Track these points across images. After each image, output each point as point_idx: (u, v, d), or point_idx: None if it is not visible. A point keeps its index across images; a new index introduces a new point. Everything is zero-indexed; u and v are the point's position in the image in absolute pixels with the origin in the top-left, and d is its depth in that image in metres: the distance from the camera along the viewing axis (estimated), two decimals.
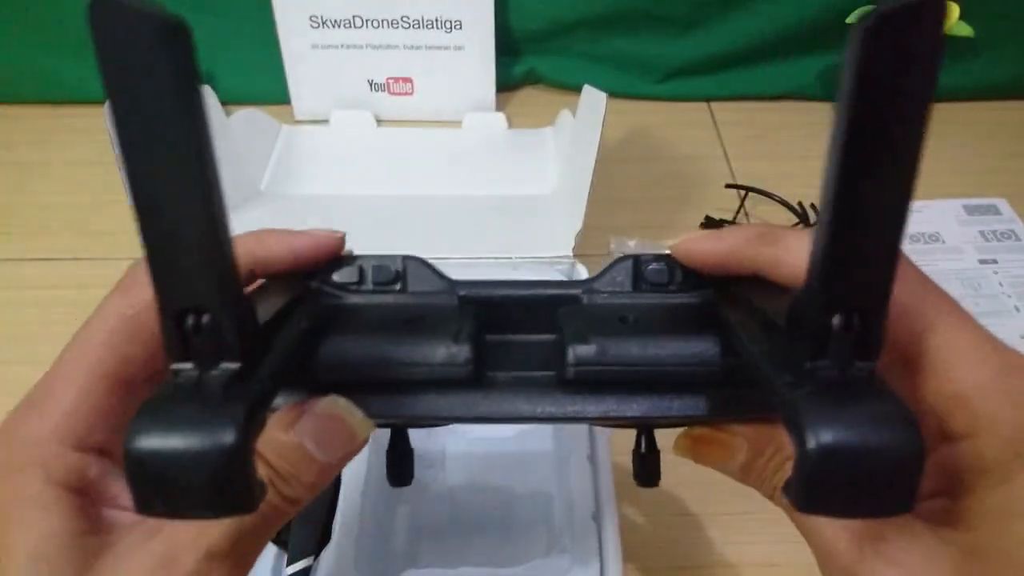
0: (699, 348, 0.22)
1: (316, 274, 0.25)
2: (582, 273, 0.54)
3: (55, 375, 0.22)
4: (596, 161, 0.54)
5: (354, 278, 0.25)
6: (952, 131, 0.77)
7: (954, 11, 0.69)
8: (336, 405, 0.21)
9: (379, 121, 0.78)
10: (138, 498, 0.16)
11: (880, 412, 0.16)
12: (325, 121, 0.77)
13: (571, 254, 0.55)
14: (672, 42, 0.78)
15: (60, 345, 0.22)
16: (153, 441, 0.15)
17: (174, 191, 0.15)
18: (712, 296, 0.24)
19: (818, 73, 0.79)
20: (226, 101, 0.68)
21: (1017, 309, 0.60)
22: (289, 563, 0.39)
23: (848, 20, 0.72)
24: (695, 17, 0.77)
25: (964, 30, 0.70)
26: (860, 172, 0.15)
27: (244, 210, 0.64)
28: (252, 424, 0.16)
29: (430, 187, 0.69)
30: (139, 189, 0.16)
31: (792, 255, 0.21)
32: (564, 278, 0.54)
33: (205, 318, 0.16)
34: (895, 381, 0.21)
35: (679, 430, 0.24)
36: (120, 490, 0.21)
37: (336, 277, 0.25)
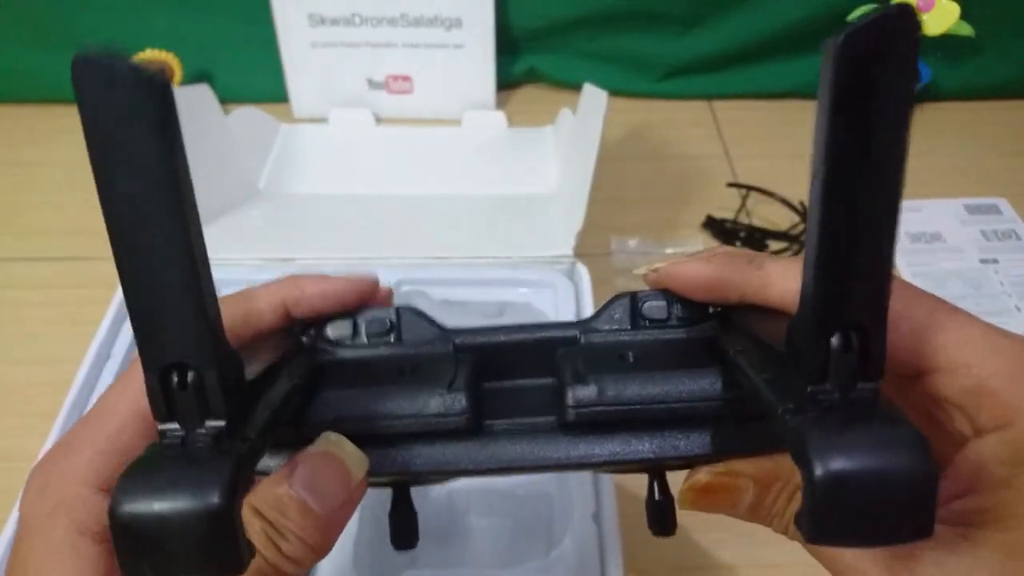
0: (702, 383, 0.21)
1: (309, 330, 0.25)
2: (582, 273, 0.54)
3: (94, 413, 0.21)
4: (597, 160, 0.54)
5: (347, 332, 0.24)
6: (952, 131, 0.77)
7: (954, 11, 0.69)
8: (327, 441, 0.20)
9: (378, 120, 0.78)
10: (125, 563, 0.15)
11: (888, 435, 0.15)
12: (324, 120, 0.77)
13: (571, 253, 0.55)
14: (673, 40, 0.78)
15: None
16: (137, 505, 0.15)
17: (156, 247, 0.15)
18: (714, 329, 0.23)
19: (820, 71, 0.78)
20: (225, 100, 0.68)
21: (1018, 309, 0.60)
22: None
23: (849, 18, 0.72)
24: (696, 15, 0.77)
25: (964, 30, 0.70)
26: (844, 189, 0.15)
27: (243, 209, 0.64)
28: (237, 483, 0.15)
29: (430, 186, 0.68)
30: (120, 246, 0.15)
31: (780, 278, 0.21)
32: (564, 278, 0.54)
33: (189, 375, 0.16)
34: (904, 393, 0.20)
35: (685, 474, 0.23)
36: None
37: (330, 333, 0.24)
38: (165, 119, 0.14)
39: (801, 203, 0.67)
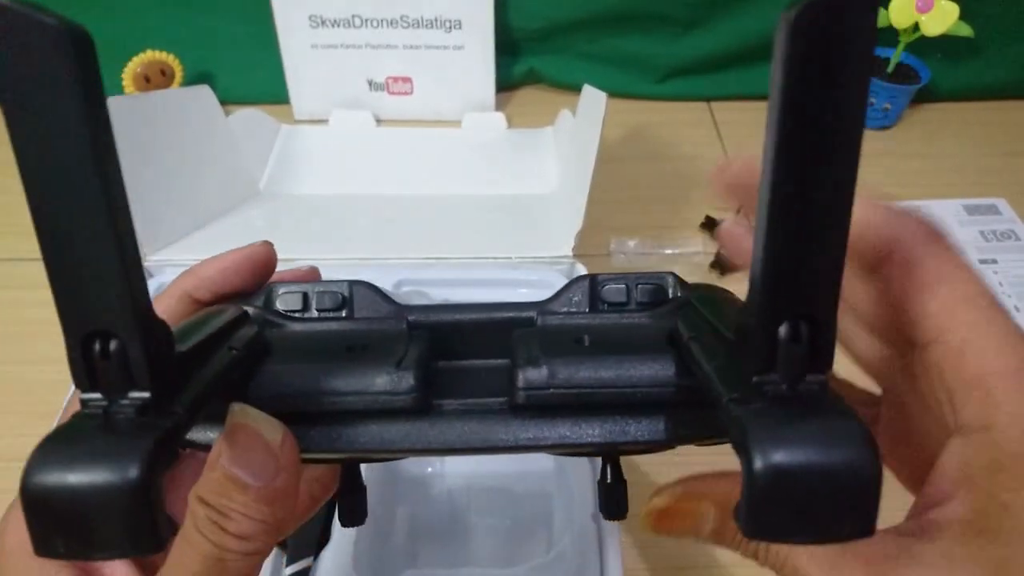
0: (656, 368, 0.21)
1: (255, 301, 0.24)
2: (582, 273, 0.54)
3: None
4: (596, 161, 0.54)
5: (297, 305, 0.24)
6: (952, 131, 0.77)
7: (953, 11, 0.69)
8: (232, 414, 0.19)
9: (378, 121, 0.78)
10: (37, 538, 0.15)
11: (833, 429, 0.15)
12: (324, 121, 0.77)
13: (571, 254, 0.55)
14: (672, 42, 0.78)
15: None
16: (50, 476, 0.14)
17: (76, 207, 0.14)
18: (672, 314, 0.23)
19: None
20: (226, 101, 0.68)
21: (1017, 309, 0.60)
22: (289, 563, 0.40)
23: None
24: (695, 17, 0.77)
25: (964, 30, 0.70)
26: (796, 170, 0.15)
27: (243, 210, 0.64)
28: (158, 457, 0.15)
29: (430, 187, 0.69)
30: (37, 204, 0.15)
31: None
32: (564, 278, 0.54)
33: (112, 343, 0.16)
34: (908, 362, 0.20)
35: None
36: None
37: (279, 304, 0.24)
38: (87, 75, 0.14)
39: None
